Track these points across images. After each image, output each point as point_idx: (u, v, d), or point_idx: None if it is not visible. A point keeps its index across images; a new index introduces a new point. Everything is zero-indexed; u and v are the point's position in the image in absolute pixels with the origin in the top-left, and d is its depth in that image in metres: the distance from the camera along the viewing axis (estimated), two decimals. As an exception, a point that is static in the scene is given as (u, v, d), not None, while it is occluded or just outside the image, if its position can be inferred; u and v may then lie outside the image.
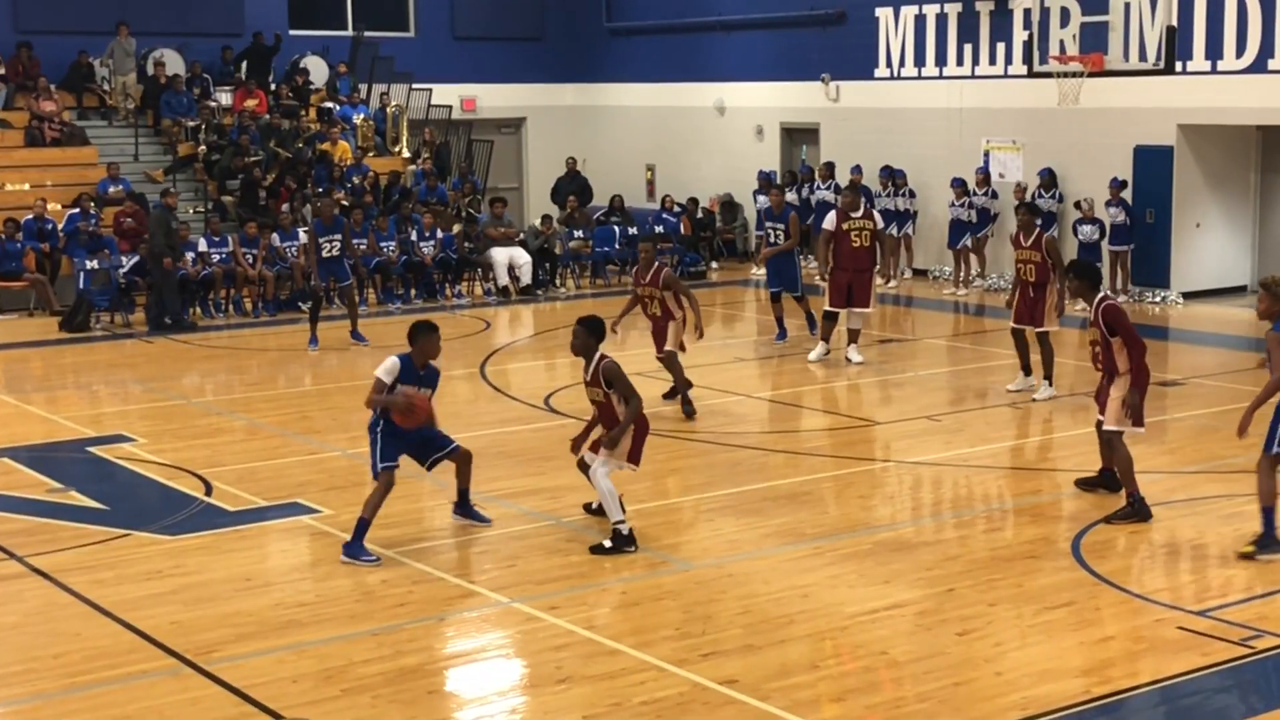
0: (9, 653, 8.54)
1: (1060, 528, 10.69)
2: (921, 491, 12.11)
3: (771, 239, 18.17)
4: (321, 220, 18.49)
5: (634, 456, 10.41)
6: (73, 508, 11.56)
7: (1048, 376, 15.05)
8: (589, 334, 10.46)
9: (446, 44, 29.94)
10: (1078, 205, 21.98)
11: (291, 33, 28.60)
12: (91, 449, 13.50)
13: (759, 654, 8.29)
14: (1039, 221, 15.65)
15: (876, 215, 17.53)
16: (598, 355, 10.41)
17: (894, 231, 24.49)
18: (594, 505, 10.82)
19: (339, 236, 18.45)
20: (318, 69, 28.28)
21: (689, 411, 14.30)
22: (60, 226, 22.28)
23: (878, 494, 12.00)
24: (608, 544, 10.21)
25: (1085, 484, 11.52)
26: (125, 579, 9.81)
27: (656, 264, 14.47)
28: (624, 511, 10.30)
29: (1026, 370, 15.35)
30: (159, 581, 9.76)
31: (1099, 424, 11.09)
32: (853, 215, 17.04)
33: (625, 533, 10.21)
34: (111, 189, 23.44)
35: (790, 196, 26.30)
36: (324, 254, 18.32)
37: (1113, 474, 11.10)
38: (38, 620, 9.10)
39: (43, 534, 10.79)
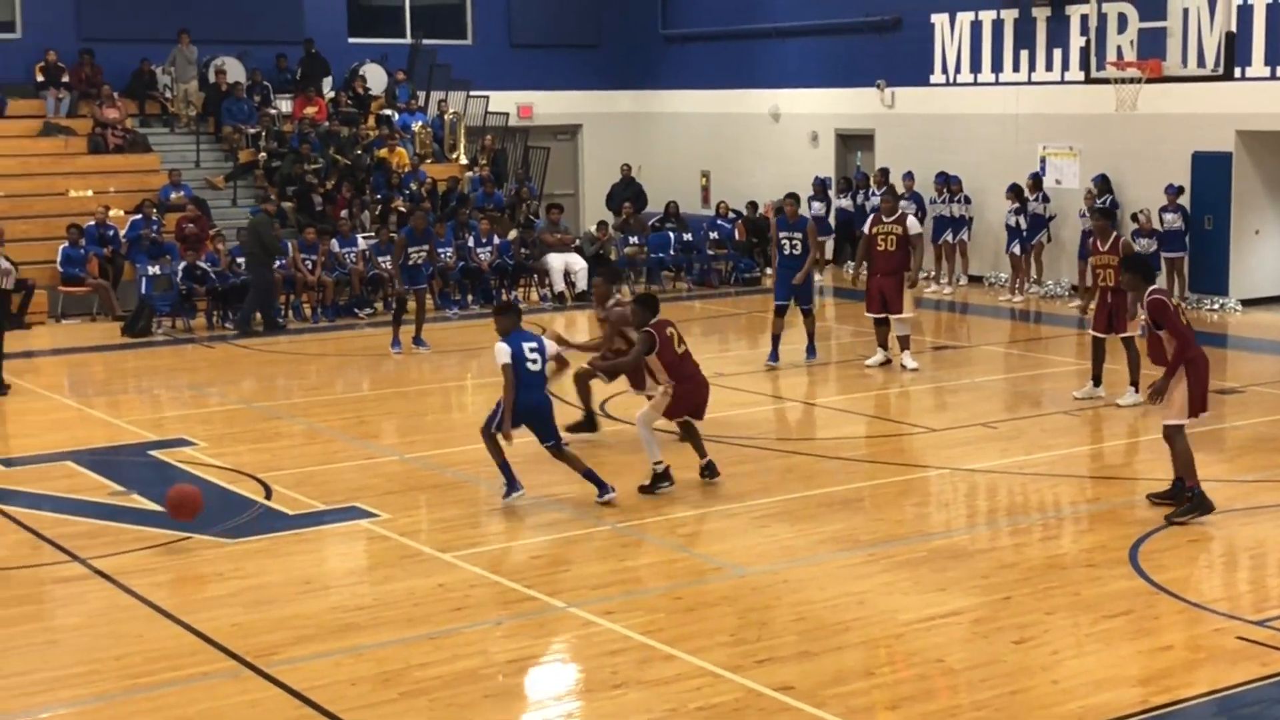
0: (72, 654, 8.66)
1: (1118, 536, 10.62)
2: (977, 498, 12.07)
3: (786, 250, 17.39)
4: (414, 230, 18.93)
5: (672, 412, 11.95)
6: (135, 510, 11.68)
7: (1134, 382, 14.91)
8: (643, 309, 12.01)
9: (504, 51, 30.09)
10: (1134, 218, 21.80)
11: (350, 40, 28.86)
12: (153, 453, 13.63)
13: (814, 660, 8.30)
14: (1115, 226, 15.58)
15: (910, 221, 17.26)
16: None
17: (949, 238, 24.46)
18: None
19: (427, 247, 19.02)
20: (376, 76, 28.49)
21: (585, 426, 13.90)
22: (123, 232, 22.56)
23: (933, 501, 11.98)
24: (647, 483, 11.73)
25: (1158, 498, 11.31)
26: (186, 581, 9.95)
27: (613, 300, 13.68)
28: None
29: (1097, 380, 15.23)
30: (219, 584, 9.87)
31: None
32: (885, 220, 17.05)
33: (661, 470, 11.72)
34: (173, 195, 23.72)
35: (845, 203, 26.37)
36: (409, 262, 18.76)
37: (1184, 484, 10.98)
38: (100, 622, 9.22)
39: (105, 536, 10.92)
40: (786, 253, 17.40)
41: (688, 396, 11.95)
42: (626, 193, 27.50)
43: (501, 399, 11.37)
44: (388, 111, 27.55)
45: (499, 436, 11.35)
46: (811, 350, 17.71)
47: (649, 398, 12.29)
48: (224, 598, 9.57)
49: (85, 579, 10.00)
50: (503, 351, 11.34)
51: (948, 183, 24.57)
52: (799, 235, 17.34)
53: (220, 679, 8.20)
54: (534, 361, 11.40)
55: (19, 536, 10.92)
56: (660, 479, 11.78)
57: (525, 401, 11.30)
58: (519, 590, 9.64)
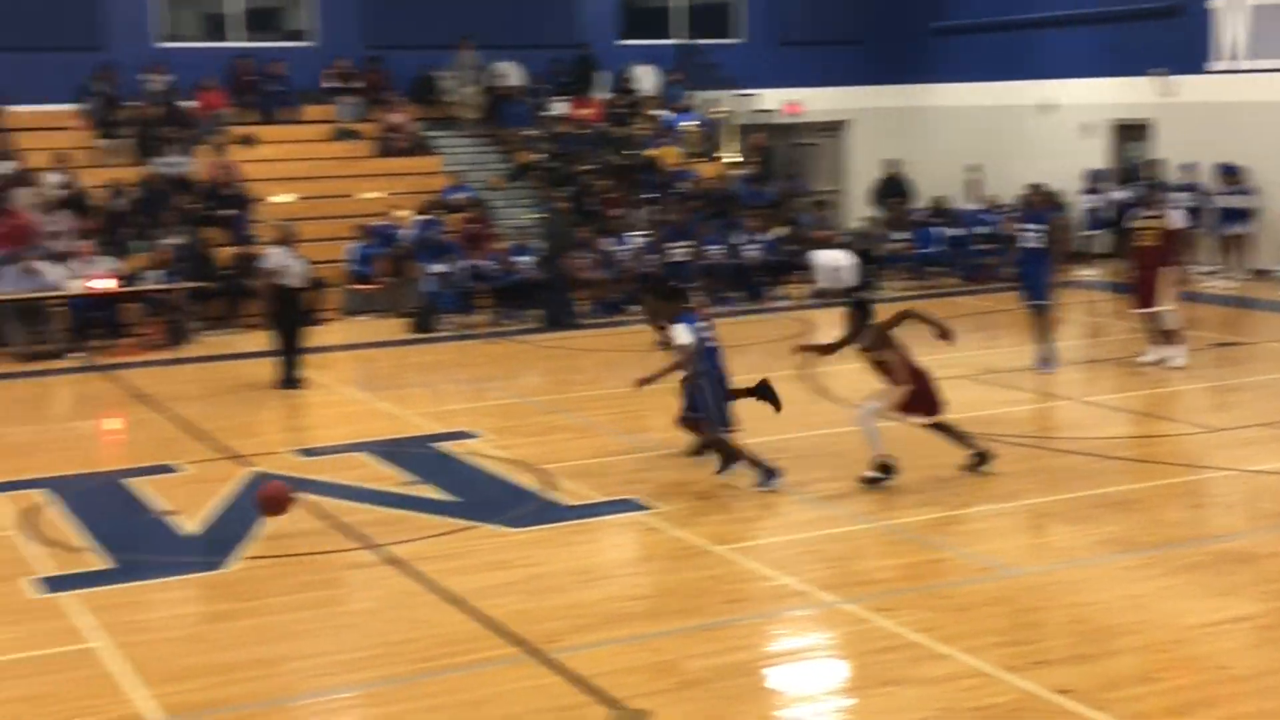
0: (365, 637, 9.02)
1: None
2: (1261, 501, 11.67)
3: (1027, 243, 16.80)
4: (675, 228, 19.35)
5: (911, 409, 11.85)
6: (424, 500, 12.12)
7: None
8: (860, 312, 11.95)
9: (772, 49, 30.20)
10: None
11: (622, 42, 29.41)
12: (437, 444, 14.12)
13: (1092, 664, 8.20)
14: None
15: (1173, 214, 16.81)
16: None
17: (1231, 230, 23.68)
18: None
19: (689, 243, 19.27)
20: (646, 77, 28.96)
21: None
22: (408, 232, 23.47)
23: (1215, 503, 11.66)
24: (870, 474, 11.76)
25: None
26: (472, 569, 10.23)
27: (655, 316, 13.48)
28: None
29: None
30: (503, 572, 10.18)
31: None
32: (1146, 213, 16.67)
33: (886, 462, 11.71)
34: (456, 196, 24.56)
35: (1123, 194, 25.66)
36: (672, 259, 19.16)
37: None
38: (390, 607, 9.57)
39: (396, 524, 11.32)
40: (1028, 245, 16.90)
41: (927, 393, 11.95)
42: (893, 188, 27.34)
43: (702, 400, 11.96)
44: (658, 111, 27.99)
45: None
46: (1049, 354, 16.81)
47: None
48: (507, 585, 9.87)
49: (377, 565, 10.40)
50: (685, 331, 11.80)
51: (1230, 173, 23.72)
52: (1042, 228, 16.83)
53: (503, 664, 8.43)
54: (711, 340, 11.97)
55: (317, 524, 11.43)
56: (885, 470, 11.80)
57: (710, 383, 11.85)
58: (791, 585, 9.75)
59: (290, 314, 17.39)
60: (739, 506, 11.72)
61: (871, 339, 11.88)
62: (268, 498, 10.98)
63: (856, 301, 12.37)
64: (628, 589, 9.85)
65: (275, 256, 17.55)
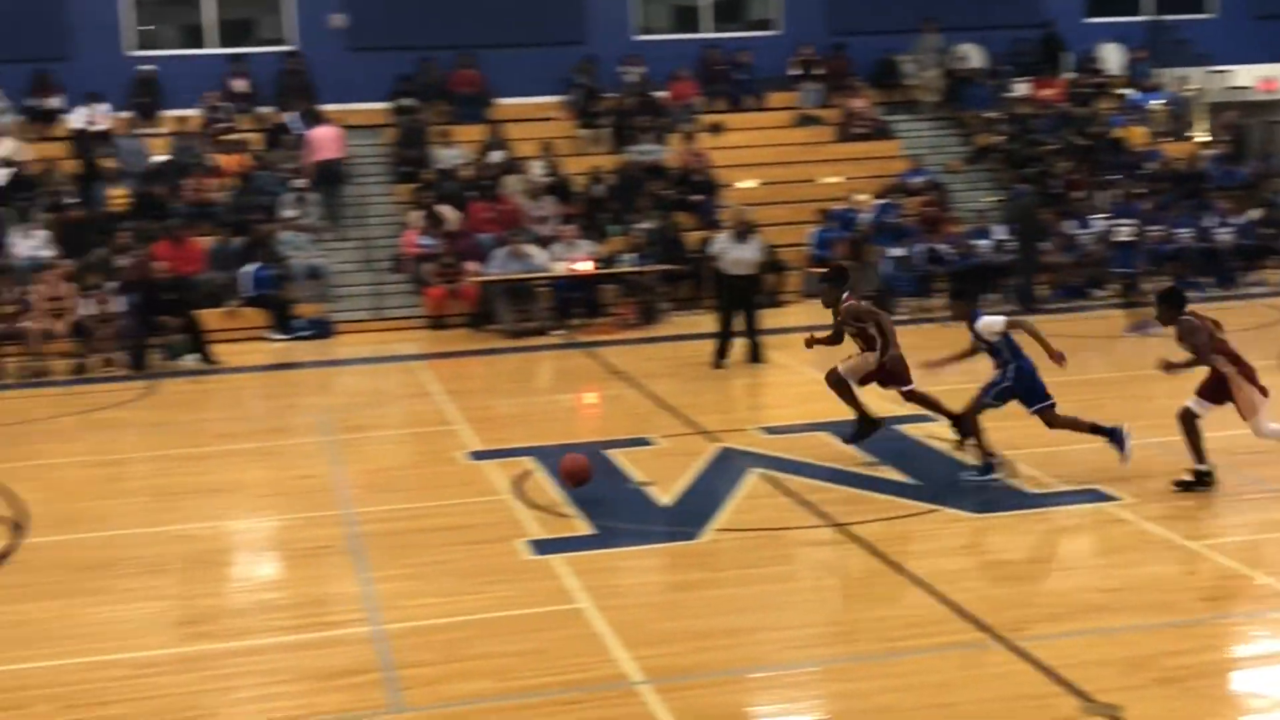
0: (828, 613, 9.28)
1: None
2: None
3: None
4: (1119, 204, 18.88)
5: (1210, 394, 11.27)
6: (884, 481, 12.26)
7: None
8: (1166, 305, 11.42)
9: (1248, 23, 28.76)
10: None
11: (1088, 20, 28.68)
12: (896, 426, 14.15)
13: None
14: None
15: None
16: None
17: None
18: None
19: (1134, 222, 18.76)
20: (1113, 55, 28.15)
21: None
22: (867, 216, 23.68)
23: None
24: (1187, 477, 11.30)
25: None
26: (934, 552, 10.29)
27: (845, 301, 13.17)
28: None
29: None
30: (967, 557, 10.26)
31: None
32: None
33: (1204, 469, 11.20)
34: (914, 180, 24.61)
35: None
36: (1119, 239, 18.67)
37: None
38: (854, 585, 9.79)
39: (857, 504, 11.51)
40: None
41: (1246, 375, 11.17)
42: (1384, 168, 25.60)
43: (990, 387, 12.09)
44: (1124, 90, 27.17)
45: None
46: None
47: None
48: (970, 570, 9.94)
49: (840, 543, 10.59)
50: (991, 320, 12.28)
51: None
52: None
53: (969, 649, 8.43)
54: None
55: (782, 500, 11.79)
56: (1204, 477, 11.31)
57: (1022, 367, 11.95)
58: (1272, 585, 9.38)
59: (735, 299, 17.81)
60: (1211, 501, 11.34)
61: (1184, 332, 11.27)
62: (570, 470, 11.97)
63: (1166, 293, 11.69)
64: (1096, 580, 9.71)
65: (720, 243, 18.10)
